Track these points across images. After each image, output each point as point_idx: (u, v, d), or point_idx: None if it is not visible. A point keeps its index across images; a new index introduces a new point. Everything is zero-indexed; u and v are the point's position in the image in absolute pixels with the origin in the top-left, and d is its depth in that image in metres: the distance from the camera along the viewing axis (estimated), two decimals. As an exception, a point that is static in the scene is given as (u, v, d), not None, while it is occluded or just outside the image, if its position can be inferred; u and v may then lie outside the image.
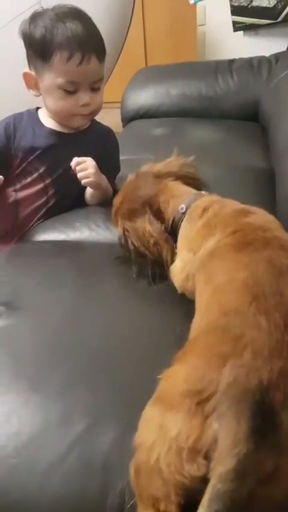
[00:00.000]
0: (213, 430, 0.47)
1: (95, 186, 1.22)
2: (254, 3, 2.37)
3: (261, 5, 2.36)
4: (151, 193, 0.91)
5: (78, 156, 1.20)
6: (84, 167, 1.18)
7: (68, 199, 1.26)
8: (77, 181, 1.20)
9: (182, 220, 0.86)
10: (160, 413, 0.51)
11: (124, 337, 0.78)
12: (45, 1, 2.16)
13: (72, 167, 1.19)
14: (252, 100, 2.03)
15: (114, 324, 0.81)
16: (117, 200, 0.99)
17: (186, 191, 0.91)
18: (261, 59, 2.14)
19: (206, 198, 0.87)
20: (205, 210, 0.82)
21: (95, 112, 1.24)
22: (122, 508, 0.56)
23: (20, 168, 1.26)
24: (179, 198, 0.88)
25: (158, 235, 0.88)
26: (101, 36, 1.19)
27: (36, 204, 1.26)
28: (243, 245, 0.70)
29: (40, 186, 1.25)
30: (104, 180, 1.23)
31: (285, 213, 1.12)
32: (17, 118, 1.28)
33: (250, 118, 2.01)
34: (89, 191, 1.26)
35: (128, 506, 0.56)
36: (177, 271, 0.83)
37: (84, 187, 1.25)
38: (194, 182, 0.98)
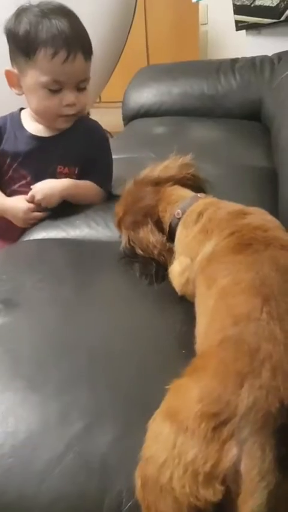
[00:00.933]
0: (232, 456, 0.45)
1: (68, 198, 1.21)
2: (257, 2, 2.36)
3: (264, 4, 2.35)
4: (151, 203, 0.91)
5: (63, 158, 1.20)
6: (38, 199, 1.17)
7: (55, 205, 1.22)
8: None
9: (178, 225, 0.86)
10: (172, 431, 0.48)
11: (124, 335, 0.77)
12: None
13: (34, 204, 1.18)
14: (254, 99, 2.03)
15: (114, 323, 0.80)
16: (119, 210, 0.99)
17: (182, 195, 0.90)
18: (263, 58, 2.14)
19: (201, 201, 0.86)
20: (200, 215, 0.81)
21: (80, 113, 1.21)
22: (120, 510, 0.55)
23: (8, 175, 1.24)
24: (175, 203, 0.88)
25: (160, 246, 0.88)
26: (87, 34, 1.16)
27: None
28: (242, 246, 0.69)
29: (27, 193, 1.20)
30: (80, 187, 1.22)
31: (287, 213, 1.12)
32: (1, 121, 1.26)
33: (252, 117, 2.00)
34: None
35: (126, 507, 0.55)
36: (177, 274, 0.82)
37: None
38: (195, 182, 0.97)
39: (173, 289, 0.83)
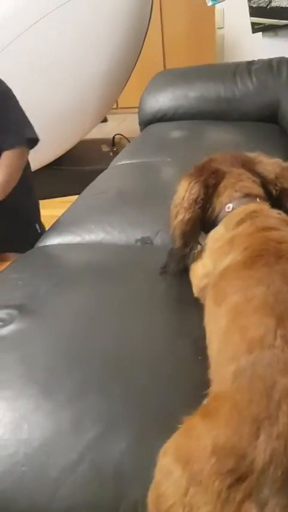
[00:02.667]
0: None
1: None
2: (273, 4, 2.34)
3: (281, 5, 2.33)
4: (222, 168, 0.85)
5: None
6: None
7: None
8: None
9: (222, 221, 0.81)
10: (184, 478, 0.46)
11: (138, 342, 0.75)
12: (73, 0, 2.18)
13: None
14: (271, 101, 2.00)
15: (128, 329, 0.79)
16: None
17: (246, 189, 0.83)
18: (280, 60, 2.11)
19: (251, 206, 0.79)
20: (239, 223, 0.76)
21: None
22: (135, 519, 0.54)
23: None
24: (234, 193, 0.82)
25: (187, 205, 0.83)
26: None
27: None
28: (254, 259, 0.66)
29: None
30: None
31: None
32: None
33: (269, 119, 1.97)
34: None
35: (141, 517, 0.53)
36: (198, 275, 0.80)
37: None
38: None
39: (189, 293, 0.82)
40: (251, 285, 0.61)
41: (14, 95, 1.35)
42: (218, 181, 0.84)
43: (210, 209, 0.84)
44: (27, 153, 1.37)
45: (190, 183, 0.85)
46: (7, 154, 1.33)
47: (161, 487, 0.48)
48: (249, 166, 0.87)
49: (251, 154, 0.92)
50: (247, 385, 0.49)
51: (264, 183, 0.87)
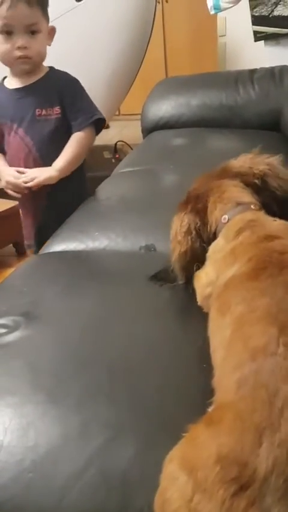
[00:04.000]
0: None
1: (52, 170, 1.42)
2: (276, 13, 2.35)
3: (283, 14, 2.34)
4: (201, 191, 0.88)
5: (39, 102, 1.42)
6: (32, 179, 1.40)
7: (46, 145, 1.44)
8: (44, 125, 1.43)
9: (220, 233, 0.82)
10: (190, 484, 0.46)
11: (144, 349, 0.76)
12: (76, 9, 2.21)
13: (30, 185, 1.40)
14: (273, 109, 2.01)
15: (134, 336, 0.79)
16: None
17: (236, 198, 0.83)
18: (282, 68, 2.12)
19: (248, 215, 0.80)
20: (239, 233, 0.76)
21: (35, 58, 1.40)
22: (142, 527, 0.54)
23: (5, 131, 1.47)
24: (226, 205, 0.83)
25: (181, 239, 0.85)
26: None
27: (22, 156, 1.46)
28: (258, 271, 0.66)
29: (18, 139, 1.45)
30: (70, 162, 1.44)
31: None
32: None
33: (271, 128, 1.98)
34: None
35: (148, 525, 0.53)
36: (202, 284, 0.81)
37: (57, 132, 1.45)
38: (263, 183, 0.90)
39: (194, 301, 0.82)
40: (255, 296, 0.61)
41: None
42: (204, 202, 0.86)
43: (208, 227, 0.85)
44: (95, 135, 1.51)
45: (180, 216, 0.88)
46: (76, 135, 1.46)
47: (167, 493, 0.48)
48: (226, 175, 0.89)
49: (230, 162, 0.94)
50: (250, 393, 0.50)
51: (246, 180, 0.88)
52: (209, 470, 0.45)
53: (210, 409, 0.61)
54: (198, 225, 0.86)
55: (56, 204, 1.49)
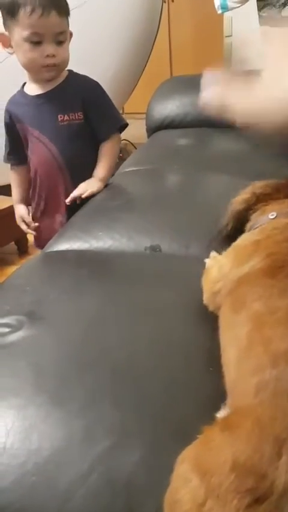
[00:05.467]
0: None
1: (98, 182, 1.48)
2: (284, 13, 2.34)
3: (291, 15, 2.33)
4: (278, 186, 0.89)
5: (61, 107, 1.43)
6: (85, 192, 1.44)
7: (69, 151, 1.47)
8: (67, 131, 1.44)
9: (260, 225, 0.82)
10: (203, 488, 0.45)
11: (150, 351, 0.74)
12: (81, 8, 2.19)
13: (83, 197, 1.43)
14: (279, 110, 2.00)
15: (139, 338, 0.78)
16: None
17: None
18: (289, 69, 2.11)
19: None
20: (272, 230, 0.76)
21: (61, 65, 1.42)
22: (147, 534, 0.53)
23: (27, 138, 1.50)
24: (282, 209, 0.82)
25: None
26: None
27: (46, 162, 1.48)
28: (275, 269, 0.65)
29: (41, 146, 1.47)
30: (110, 166, 1.51)
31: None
32: (10, 103, 1.52)
33: (278, 129, 1.97)
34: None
35: (153, 531, 0.52)
36: (212, 279, 0.79)
37: (80, 137, 1.47)
38: None
39: (200, 302, 0.81)
40: (273, 295, 0.60)
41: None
42: (271, 197, 0.87)
43: (255, 214, 0.85)
44: (118, 144, 1.57)
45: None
46: (107, 143, 1.52)
47: (178, 493, 0.47)
48: None
49: None
50: (270, 400, 0.48)
51: None
52: (223, 477, 0.44)
53: (218, 414, 0.59)
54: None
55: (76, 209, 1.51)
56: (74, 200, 1.46)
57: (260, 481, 0.43)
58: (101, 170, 1.50)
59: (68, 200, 1.46)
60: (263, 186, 0.89)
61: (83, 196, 1.43)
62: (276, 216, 0.80)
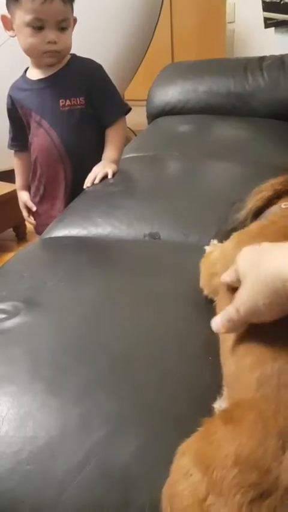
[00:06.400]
0: None
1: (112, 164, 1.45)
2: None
3: (295, 1, 2.30)
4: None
5: (62, 92, 1.42)
6: (99, 175, 1.40)
7: (70, 137, 1.44)
8: (68, 116, 1.42)
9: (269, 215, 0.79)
10: (204, 483, 0.44)
11: (148, 339, 0.73)
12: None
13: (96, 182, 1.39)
14: (283, 98, 1.98)
15: (137, 326, 0.77)
16: None
17: None
18: (293, 56, 2.09)
19: None
20: (280, 217, 0.74)
21: (63, 52, 1.40)
22: (142, 524, 0.52)
23: (29, 123, 1.48)
24: None
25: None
26: None
27: (46, 148, 1.46)
28: None
29: (42, 131, 1.45)
30: (119, 148, 1.49)
31: None
32: (13, 88, 1.50)
33: (280, 116, 1.95)
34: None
35: (149, 522, 0.51)
36: (210, 262, 0.78)
37: (82, 123, 1.45)
38: None
39: (198, 291, 0.80)
40: None
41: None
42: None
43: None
44: (126, 124, 1.55)
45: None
46: (114, 126, 1.50)
47: (178, 487, 0.46)
48: None
49: None
50: (273, 394, 0.47)
51: None
52: (225, 472, 0.43)
53: (215, 404, 0.58)
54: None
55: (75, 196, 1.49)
56: (92, 184, 1.42)
57: (264, 476, 0.41)
58: (111, 152, 1.48)
59: (86, 185, 1.42)
60: (284, 181, 0.86)
61: (98, 176, 1.40)
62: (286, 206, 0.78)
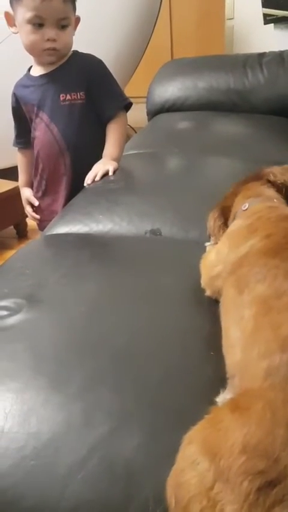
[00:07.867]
0: None
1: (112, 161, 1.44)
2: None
3: (294, -3, 2.30)
4: (232, 194, 0.89)
5: (63, 87, 1.43)
6: (100, 172, 1.39)
7: (70, 132, 1.45)
8: (69, 110, 1.43)
9: (237, 217, 0.82)
10: (211, 471, 0.44)
11: (150, 335, 0.74)
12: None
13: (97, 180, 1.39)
14: (282, 94, 1.98)
15: (139, 322, 0.77)
16: None
17: (259, 191, 0.84)
18: (292, 52, 2.08)
19: (268, 203, 0.80)
20: (257, 213, 0.76)
21: (62, 50, 1.41)
22: (146, 518, 0.52)
23: (32, 120, 1.50)
24: (249, 197, 0.83)
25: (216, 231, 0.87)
26: None
27: (47, 142, 1.47)
28: (276, 249, 0.64)
29: (43, 126, 1.47)
30: (119, 145, 1.48)
31: None
32: (17, 86, 1.52)
33: (280, 113, 1.95)
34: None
35: (152, 516, 0.52)
36: (210, 262, 0.79)
37: (82, 118, 1.45)
38: None
39: (200, 287, 0.80)
40: (277, 275, 0.59)
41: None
42: (232, 200, 0.88)
43: (231, 217, 0.85)
44: (125, 122, 1.54)
45: (212, 213, 0.90)
46: (115, 121, 1.49)
47: (185, 475, 0.46)
48: (258, 179, 0.88)
49: (272, 168, 0.91)
50: (281, 384, 0.47)
51: (278, 190, 0.86)
52: (233, 459, 0.43)
53: (218, 398, 0.59)
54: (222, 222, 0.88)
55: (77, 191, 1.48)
56: (93, 181, 1.41)
57: (273, 464, 0.42)
58: (112, 149, 1.47)
59: (87, 183, 1.41)
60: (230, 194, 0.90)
61: (98, 174, 1.39)
62: (248, 206, 0.80)
